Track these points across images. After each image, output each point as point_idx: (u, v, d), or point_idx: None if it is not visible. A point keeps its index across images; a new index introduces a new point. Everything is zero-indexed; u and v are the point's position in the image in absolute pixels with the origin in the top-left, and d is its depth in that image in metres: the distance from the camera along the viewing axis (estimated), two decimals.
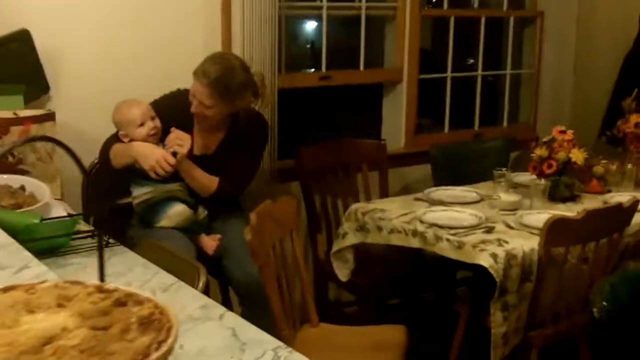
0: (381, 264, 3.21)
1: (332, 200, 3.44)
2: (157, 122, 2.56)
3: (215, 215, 2.73)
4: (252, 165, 2.77)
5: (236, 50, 3.06)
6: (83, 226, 2.32)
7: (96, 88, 2.86)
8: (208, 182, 2.66)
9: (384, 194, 3.55)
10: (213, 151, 2.72)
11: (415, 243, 2.65)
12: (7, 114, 2.52)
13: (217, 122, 2.67)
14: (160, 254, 2.26)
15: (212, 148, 2.72)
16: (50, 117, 2.56)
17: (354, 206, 2.95)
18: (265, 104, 2.76)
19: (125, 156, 2.53)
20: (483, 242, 2.48)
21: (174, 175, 2.54)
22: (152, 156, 2.48)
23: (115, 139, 2.58)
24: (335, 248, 2.98)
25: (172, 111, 2.62)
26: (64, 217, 2.32)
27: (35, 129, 2.52)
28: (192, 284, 2.00)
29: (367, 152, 3.55)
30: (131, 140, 2.53)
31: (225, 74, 2.53)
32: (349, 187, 3.47)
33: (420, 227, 2.64)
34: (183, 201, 2.60)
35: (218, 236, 2.63)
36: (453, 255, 2.51)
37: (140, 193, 2.58)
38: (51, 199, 2.47)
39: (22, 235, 2.12)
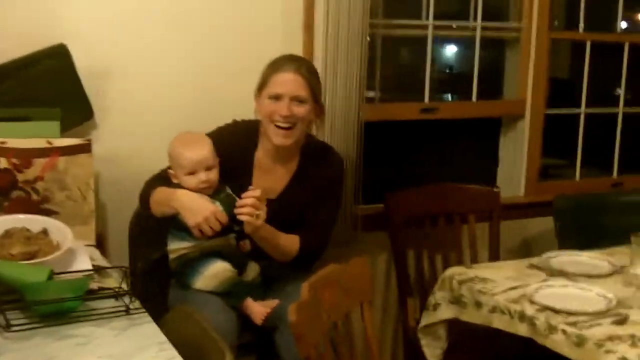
0: (483, 347, 2.66)
1: (429, 256, 2.94)
2: (213, 175, 2.15)
3: (273, 274, 2.30)
4: (334, 213, 2.35)
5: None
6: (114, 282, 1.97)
7: (148, 117, 2.52)
8: (290, 244, 2.25)
9: (494, 252, 3.02)
10: (278, 195, 2.30)
11: (522, 330, 2.10)
12: (40, 143, 2.20)
13: (291, 146, 2.27)
14: (190, 327, 1.86)
15: (277, 191, 2.30)
16: (83, 148, 2.22)
17: (448, 272, 2.44)
18: (322, 119, 2.40)
19: (166, 205, 2.15)
20: (611, 338, 1.91)
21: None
22: (200, 212, 2.06)
23: (161, 179, 2.21)
24: (424, 322, 2.48)
25: (229, 147, 2.22)
26: (76, 272, 1.98)
27: (64, 163, 2.19)
28: None
29: (476, 200, 3.03)
30: (178, 184, 2.15)
31: (303, 60, 2.30)
32: (452, 242, 2.96)
33: (530, 310, 2.09)
34: (227, 258, 2.17)
35: (272, 302, 2.18)
36: (570, 353, 1.94)
37: (175, 247, 2.19)
38: (78, 246, 2.14)
39: (29, 295, 1.79)
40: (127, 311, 1.87)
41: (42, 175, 2.15)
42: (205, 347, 1.71)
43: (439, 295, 2.43)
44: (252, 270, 2.24)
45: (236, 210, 2.08)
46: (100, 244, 2.47)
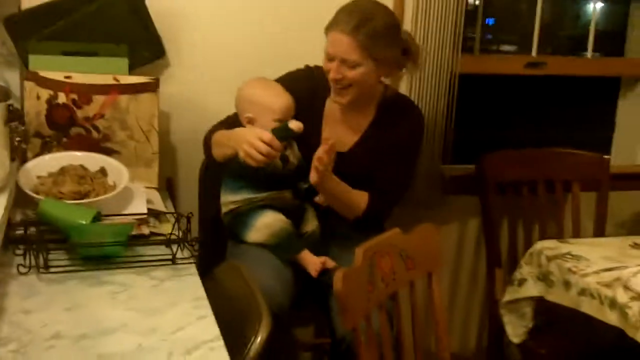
0: (572, 330, 2.41)
1: (524, 226, 2.69)
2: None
3: (335, 232, 2.14)
4: (408, 173, 2.16)
5: (407, 18, 2.43)
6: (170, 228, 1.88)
7: (222, 59, 2.39)
8: (357, 201, 2.08)
9: (600, 226, 2.74)
10: (348, 149, 2.12)
11: (612, 319, 1.86)
12: (106, 79, 2.12)
13: (360, 100, 2.07)
14: (235, 284, 1.74)
15: (348, 144, 2.12)
16: (148, 87, 2.12)
17: (538, 245, 2.20)
18: (416, 68, 2.13)
19: (225, 145, 2.02)
20: None
21: (282, 181, 2.00)
22: (244, 137, 1.91)
23: (226, 124, 2.09)
24: (508, 297, 2.27)
25: (298, 94, 2.06)
26: (128, 215, 1.89)
27: (125, 101, 2.10)
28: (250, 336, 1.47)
29: (581, 167, 2.74)
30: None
31: (368, 16, 1.95)
32: (552, 212, 2.70)
33: (623, 297, 1.84)
34: (281, 210, 2.03)
35: (329, 262, 2.02)
36: None
37: (226, 200, 2.07)
38: (136, 189, 2.06)
39: (72, 237, 1.72)
40: (173, 260, 1.78)
41: (102, 113, 2.07)
42: (244, 308, 1.59)
43: (525, 269, 2.20)
44: (310, 223, 2.09)
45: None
46: (170, 188, 2.40)
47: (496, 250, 2.66)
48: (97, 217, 1.80)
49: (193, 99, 2.37)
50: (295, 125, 1.93)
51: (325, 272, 2.00)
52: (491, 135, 3.03)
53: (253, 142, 1.87)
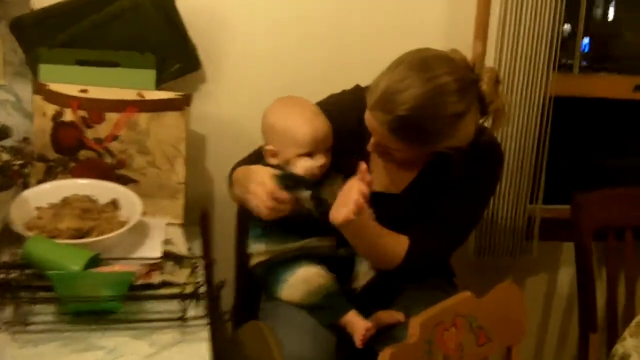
0: None
1: (627, 281, 2.25)
2: (329, 158, 1.66)
3: (388, 281, 1.74)
4: (470, 213, 1.73)
5: (492, 36, 2.05)
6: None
7: (267, 75, 2.06)
8: (393, 246, 1.66)
9: None
10: (403, 190, 1.73)
11: None
12: (128, 94, 1.82)
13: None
14: (259, 347, 1.41)
15: (403, 184, 1.73)
16: (173, 104, 1.80)
17: None
18: (499, 124, 1.63)
19: (241, 185, 1.67)
20: None
21: (321, 227, 1.61)
22: (249, 184, 1.60)
23: (253, 158, 1.75)
24: None
25: (342, 122, 1.68)
26: (137, 259, 1.58)
27: (145, 120, 1.79)
28: None
29: None
30: (278, 165, 1.66)
31: (420, 108, 1.47)
32: None
33: None
34: (321, 261, 1.65)
35: (371, 323, 1.60)
36: None
37: (254, 251, 1.71)
38: (155, 225, 1.76)
39: (59, 287, 1.42)
40: (183, 319, 1.45)
41: (115, 134, 1.77)
42: None
43: (630, 343, 1.77)
44: (363, 276, 1.71)
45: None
46: (205, 225, 2.08)
47: (592, 310, 2.22)
48: (95, 262, 1.49)
49: (232, 120, 2.05)
50: (303, 168, 1.59)
51: (378, 337, 1.62)
52: (591, 169, 2.59)
53: (256, 191, 1.55)
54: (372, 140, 1.60)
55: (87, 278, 1.42)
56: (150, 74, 1.89)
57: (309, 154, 1.62)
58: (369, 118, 1.55)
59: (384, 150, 1.60)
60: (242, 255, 1.86)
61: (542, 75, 2.09)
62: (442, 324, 1.36)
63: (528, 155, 2.14)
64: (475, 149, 1.59)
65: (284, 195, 1.55)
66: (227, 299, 2.02)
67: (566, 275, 2.42)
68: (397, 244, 1.66)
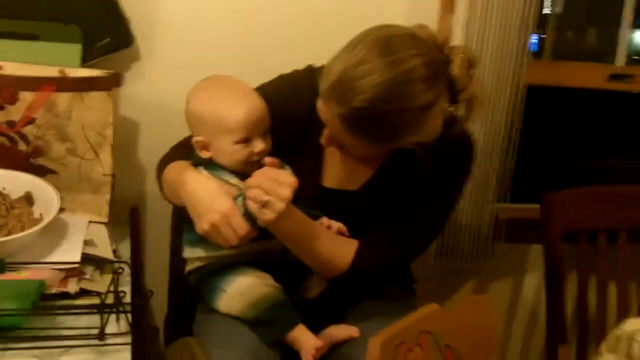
0: None
1: (599, 287, 2.10)
2: (269, 143, 1.43)
3: (344, 290, 1.53)
4: (437, 217, 1.52)
5: (459, 14, 1.86)
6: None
7: (208, 50, 1.85)
8: (335, 251, 1.44)
9: None
10: (361, 186, 1.52)
11: None
12: (48, 71, 1.59)
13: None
14: None
15: (361, 179, 1.52)
16: (99, 83, 1.57)
17: (628, 325, 1.60)
18: (471, 114, 1.40)
19: (175, 194, 1.44)
20: None
21: (263, 228, 1.37)
22: (209, 213, 1.33)
23: (186, 147, 1.52)
24: None
25: (290, 107, 1.46)
26: (51, 263, 1.36)
27: (66, 101, 1.56)
28: None
29: None
30: (211, 158, 1.43)
31: (381, 99, 1.24)
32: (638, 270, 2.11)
33: None
34: (266, 268, 1.44)
35: (322, 342, 1.37)
36: None
37: (191, 256, 1.48)
38: (75, 224, 1.54)
39: None
40: (101, 335, 1.23)
41: (30, 116, 1.54)
42: None
43: (608, 358, 1.61)
44: (317, 283, 1.49)
45: (246, 185, 1.32)
46: (135, 223, 1.85)
47: (560, 319, 2.06)
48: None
49: (169, 105, 1.82)
50: (241, 157, 1.39)
51: (330, 356, 1.42)
52: (561, 165, 2.44)
53: (222, 227, 1.32)
54: (325, 132, 1.39)
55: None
56: (75, 49, 1.67)
57: (245, 140, 1.40)
58: (322, 107, 1.33)
59: (339, 145, 1.39)
60: (177, 259, 1.61)
61: (512, 61, 1.92)
62: (405, 343, 1.17)
63: (497, 148, 1.97)
64: (444, 141, 1.40)
65: (255, 230, 1.34)
66: (160, 309, 1.81)
67: (533, 281, 2.27)
68: (342, 248, 1.45)
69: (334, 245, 1.44)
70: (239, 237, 1.33)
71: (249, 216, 1.32)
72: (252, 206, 1.30)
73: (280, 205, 1.28)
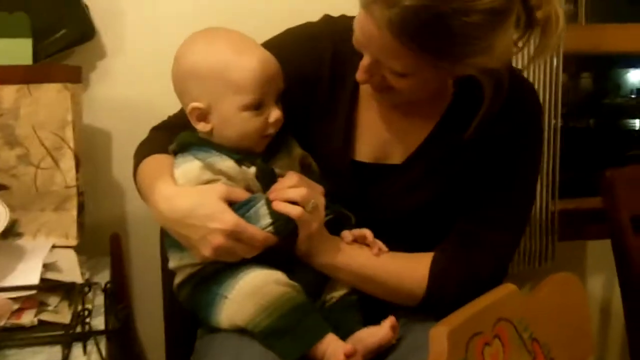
0: None
1: None
2: (281, 109, 1.12)
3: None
4: (524, 204, 1.21)
5: None
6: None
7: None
8: (401, 275, 1.14)
9: None
10: (406, 159, 1.20)
11: None
12: None
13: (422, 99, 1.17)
14: None
15: (404, 151, 1.20)
16: (55, 74, 1.29)
17: None
18: (546, 46, 1.05)
19: (147, 198, 1.13)
20: None
21: None
22: (210, 235, 1.03)
23: (166, 130, 1.23)
24: None
25: (306, 64, 1.18)
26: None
27: (12, 96, 1.28)
28: None
29: None
30: (212, 128, 1.11)
31: None
32: None
33: None
34: (278, 265, 1.08)
35: (352, 348, 1.03)
36: None
37: (180, 264, 1.14)
38: (34, 247, 1.25)
39: None
40: None
41: None
42: None
43: None
44: (340, 283, 1.16)
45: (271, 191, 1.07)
46: (116, 250, 1.55)
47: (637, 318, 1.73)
48: None
49: (144, 109, 1.53)
50: (253, 128, 1.10)
51: None
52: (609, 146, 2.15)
53: (227, 247, 1.04)
54: (363, 62, 1.08)
55: None
56: (25, 43, 1.39)
57: (257, 106, 1.09)
58: (362, 20, 1.01)
59: (380, 82, 1.08)
60: (170, 289, 1.30)
61: None
62: (481, 334, 0.85)
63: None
64: (509, 93, 1.10)
65: (266, 237, 1.06)
66: (157, 336, 1.49)
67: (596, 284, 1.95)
68: (412, 269, 1.13)
69: (401, 267, 1.14)
70: (257, 248, 1.04)
71: (275, 227, 1.05)
72: (294, 212, 1.05)
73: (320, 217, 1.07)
